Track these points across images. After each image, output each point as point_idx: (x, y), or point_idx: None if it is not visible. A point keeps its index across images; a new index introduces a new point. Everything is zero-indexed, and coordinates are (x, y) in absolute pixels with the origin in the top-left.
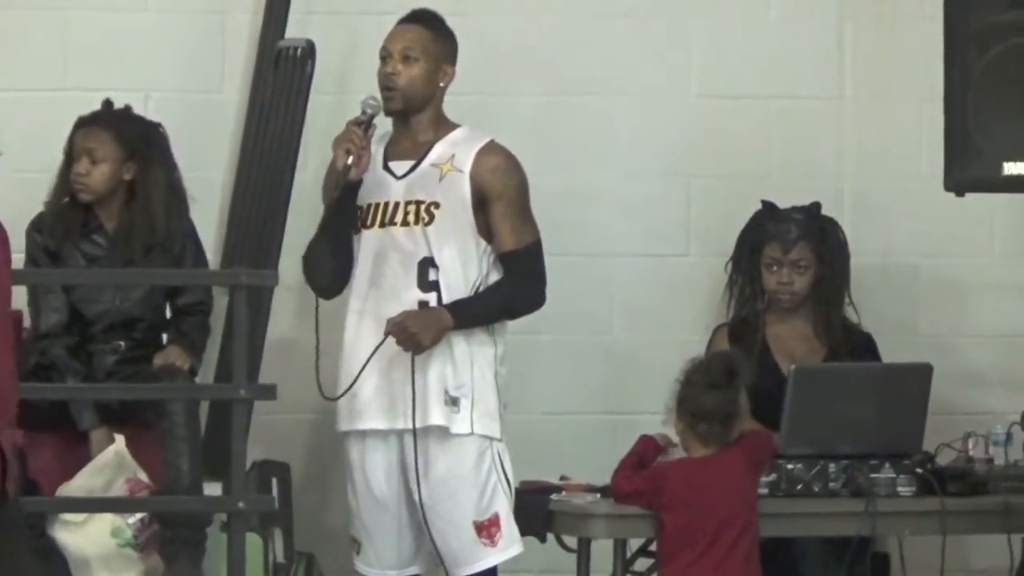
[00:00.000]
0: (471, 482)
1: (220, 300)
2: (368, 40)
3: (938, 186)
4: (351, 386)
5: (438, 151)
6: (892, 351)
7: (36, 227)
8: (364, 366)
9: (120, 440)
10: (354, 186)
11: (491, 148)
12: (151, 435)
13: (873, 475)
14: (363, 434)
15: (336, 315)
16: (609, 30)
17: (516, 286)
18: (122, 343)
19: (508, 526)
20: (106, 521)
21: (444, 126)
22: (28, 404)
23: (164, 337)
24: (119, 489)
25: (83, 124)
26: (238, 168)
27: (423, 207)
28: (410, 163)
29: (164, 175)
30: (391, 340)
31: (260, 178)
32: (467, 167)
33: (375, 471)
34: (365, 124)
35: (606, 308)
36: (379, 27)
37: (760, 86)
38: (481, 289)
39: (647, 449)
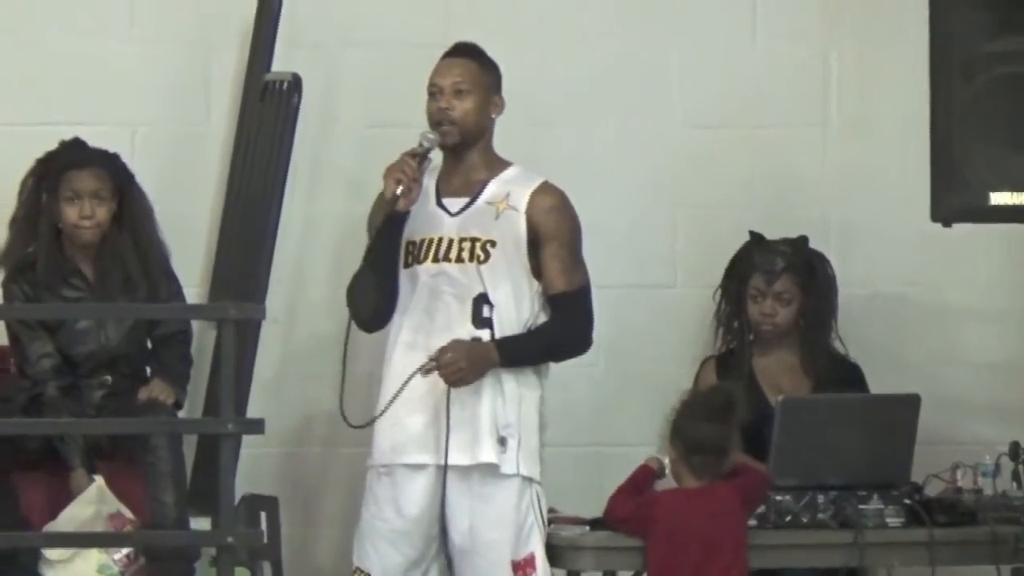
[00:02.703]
0: (511, 521)
1: (208, 334)
2: (352, 72)
3: (923, 214)
4: (383, 412)
5: (492, 189)
6: (879, 381)
7: (12, 278)
8: (399, 392)
9: (99, 479)
10: (401, 217)
11: (546, 188)
12: (137, 470)
13: (861, 506)
14: (399, 467)
15: (325, 345)
16: (593, 59)
17: (564, 328)
18: (109, 378)
19: (543, 566)
20: (92, 559)
21: (497, 164)
22: (20, 443)
23: (148, 369)
24: (103, 526)
25: (73, 165)
26: (225, 201)
27: (479, 244)
28: (464, 200)
29: (144, 218)
30: (429, 376)
31: (247, 211)
32: (522, 206)
33: (410, 504)
34: (420, 157)
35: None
36: (363, 59)
37: (745, 115)
38: (531, 328)
39: (646, 475)
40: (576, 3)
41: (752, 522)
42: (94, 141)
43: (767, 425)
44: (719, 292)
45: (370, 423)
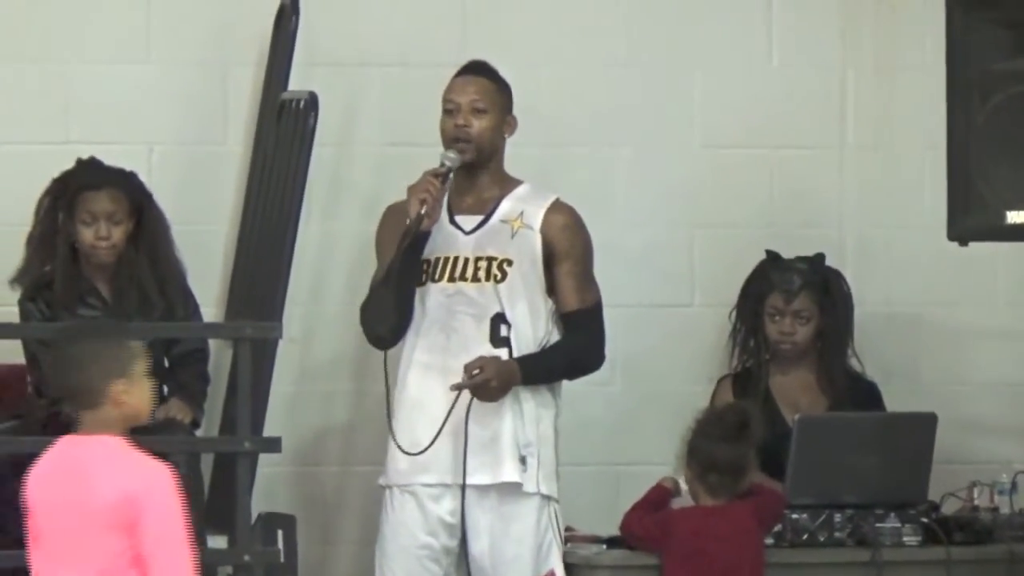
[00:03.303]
0: (531, 539)
1: (224, 353)
2: (370, 91)
3: (940, 234)
4: (435, 439)
5: (506, 207)
6: (896, 400)
7: (30, 296)
8: (446, 420)
9: None
10: (424, 236)
11: (560, 206)
12: None
13: (878, 524)
14: (419, 487)
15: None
16: (611, 80)
17: (581, 345)
18: None
19: None
20: None
21: (508, 182)
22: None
23: (165, 389)
24: None
25: (90, 187)
26: (241, 220)
27: (495, 264)
28: (478, 218)
29: (163, 239)
30: (464, 395)
31: (263, 230)
32: (537, 224)
33: (433, 521)
34: (443, 176)
35: (609, 358)
36: (381, 78)
37: (762, 135)
38: (546, 346)
39: (661, 494)
40: (595, 24)
41: (769, 540)
42: (111, 160)
43: (784, 444)
44: (735, 311)
45: (425, 450)
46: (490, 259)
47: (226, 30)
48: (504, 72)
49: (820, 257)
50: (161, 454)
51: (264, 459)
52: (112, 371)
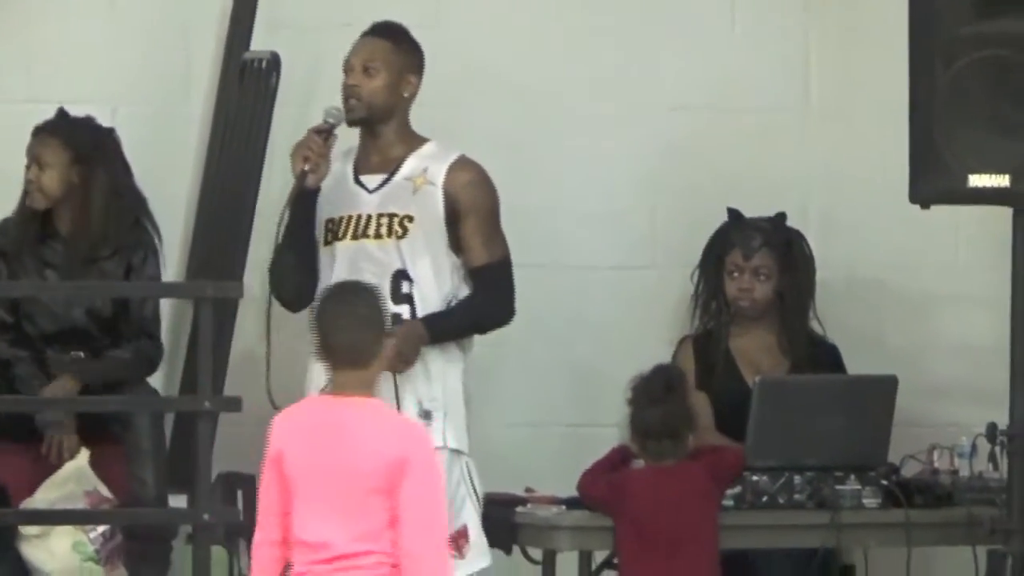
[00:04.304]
0: None
1: (185, 312)
2: (333, 52)
3: (903, 199)
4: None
5: (410, 165)
6: (857, 363)
7: None
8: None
9: (84, 455)
10: (311, 194)
11: (463, 163)
12: (115, 449)
13: (838, 487)
14: None
15: (292, 323)
16: (578, 45)
17: (487, 301)
18: (81, 353)
19: (477, 538)
20: (67, 536)
21: (414, 140)
22: None
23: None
24: (80, 504)
25: (36, 132)
26: (203, 180)
27: (396, 220)
28: (382, 176)
29: (108, 176)
30: None
31: (225, 190)
32: (440, 181)
33: None
34: (326, 133)
35: (571, 320)
36: (344, 39)
37: (726, 100)
38: (452, 303)
39: (619, 455)
40: None
41: (728, 503)
42: None
43: (745, 405)
44: (697, 271)
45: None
46: (391, 216)
47: None
48: (475, 37)
49: (781, 216)
50: (124, 414)
51: (224, 418)
52: (382, 331)
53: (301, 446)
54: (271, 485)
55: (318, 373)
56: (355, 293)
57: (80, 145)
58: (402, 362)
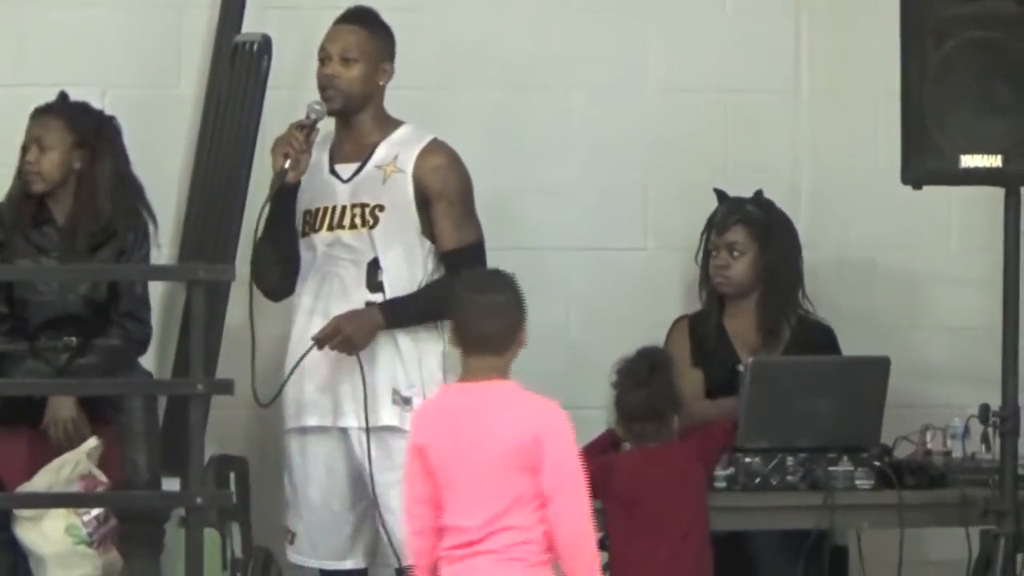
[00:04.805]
0: None
1: (178, 294)
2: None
3: (895, 180)
4: (279, 393)
5: (382, 152)
6: (850, 345)
7: None
8: (292, 371)
9: (91, 442)
10: (291, 189)
11: (433, 147)
12: (108, 432)
13: (831, 468)
14: (304, 430)
15: (281, 312)
16: (565, 25)
17: (452, 283)
18: (73, 339)
19: None
20: (60, 519)
21: (388, 125)
22: None
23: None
24: (74, 487)
25: (36, 114)
26: (195, 163)
27: (368, 210)
28: (355, 166)
29: (112, 165)
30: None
31: (216, 173)
32: (409, 167)
33: (317, 466)
34: (308, 128)
35: (562, 302)
36: None
37: (716, 80)
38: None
39: (608, 440)
40: None
41: (721, 484)
42: None
43: (738, 386)
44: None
45: (272, 401)
46: (363, 206)
47: None
48: (459, 18)
49: (758, 193)
50: (117, 397)
51: (217, 401)
52: (520, 319)
53: (444, 436)
54: (416, 477)
55: (299, 328)
56: (493, 282)
57: (83, 129)
58: (349, 346)
